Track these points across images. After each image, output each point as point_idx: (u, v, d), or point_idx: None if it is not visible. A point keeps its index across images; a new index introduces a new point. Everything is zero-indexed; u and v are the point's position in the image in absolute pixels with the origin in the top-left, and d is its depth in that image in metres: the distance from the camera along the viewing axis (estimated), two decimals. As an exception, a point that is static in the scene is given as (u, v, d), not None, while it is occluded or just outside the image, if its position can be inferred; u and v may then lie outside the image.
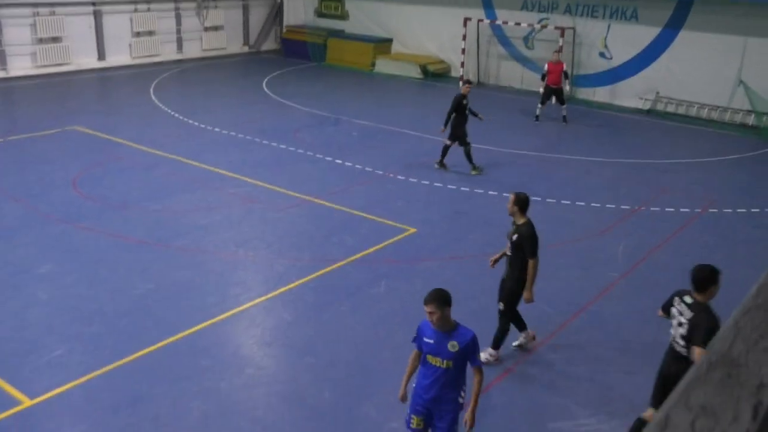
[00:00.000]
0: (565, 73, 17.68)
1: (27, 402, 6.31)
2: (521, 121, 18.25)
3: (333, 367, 7.08)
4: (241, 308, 8.16)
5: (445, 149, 13.44)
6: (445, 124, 13.19)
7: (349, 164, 13.72)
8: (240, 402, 6.48)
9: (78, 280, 8.69)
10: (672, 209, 11.91)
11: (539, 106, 18.01)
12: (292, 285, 8.76)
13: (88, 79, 21.74)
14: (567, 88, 18.11)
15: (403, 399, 5.43)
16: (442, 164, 13.59)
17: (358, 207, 11.44)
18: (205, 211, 11.03)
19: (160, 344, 7.31)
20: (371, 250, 9.83)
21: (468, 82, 13.77)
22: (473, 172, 13.33)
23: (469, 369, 5.24)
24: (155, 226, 10.42)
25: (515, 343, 7.50)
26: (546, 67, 17.72)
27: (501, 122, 17.96)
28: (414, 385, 5.30)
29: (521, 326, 7.45)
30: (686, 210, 11.89)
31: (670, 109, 19.55)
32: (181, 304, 8.22)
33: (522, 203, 7.16)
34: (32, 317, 7.79)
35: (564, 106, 17.92)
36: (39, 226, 10.27)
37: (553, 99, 17.88)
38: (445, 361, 5.05)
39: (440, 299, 4.98)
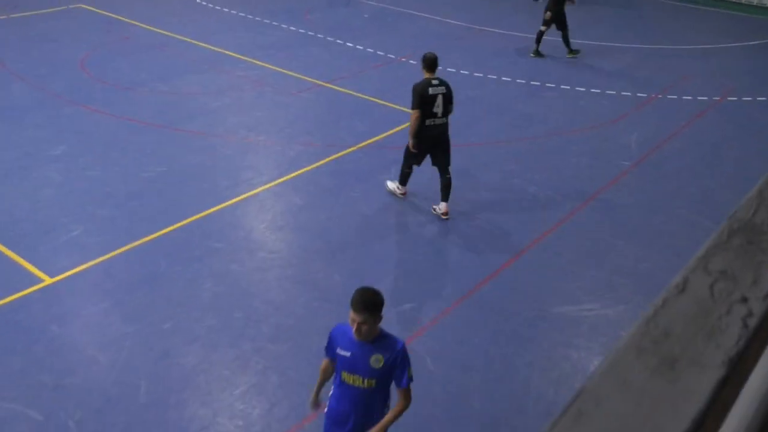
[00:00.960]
0: None
1: (48, 280, 6.51)
2: (539, 5, 17.56)
3: (343, 252, 7.20)
4: (253, 192, 8.22)
5: (539, 36, 13.18)
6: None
7: (361, 47, 13.38)
8: (252, 284, 6.66)
9: (90, 162, 8.74)
10: (690, 97, 11.64)
11: None
12: (303, 170, 8.78)
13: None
14: None
15: (314, 406, 4.27)
16: (537, 53, 13.28)
17: (370, 92, 11.25)
18: (215, 94, 10.90)
19: (172, 227, 7.43)
20: (382, 135, 9.76)
21: None
22: (569, 56, 13.24)
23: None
24: (165, 109, 10.33)
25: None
26: None
27: (516, 5, 17.31)
28: (326, 408, 4.10)
29: (403, 180, 8.03)
30: (704, 98, 11.63)
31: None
32: (193, 187, 8.28)
33: (423, 61, 7.64)
34: (47, 198, 7.91)
35: None
36: (48, 108, 10.21)
37: None
38: (366, 380, 3.82)
39: (375, 306, 3.73)
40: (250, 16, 15.09)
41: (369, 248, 7.28)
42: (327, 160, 9.04)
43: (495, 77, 12.16)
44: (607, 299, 6.65)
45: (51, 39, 13.07)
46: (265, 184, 8.42)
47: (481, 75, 12.26)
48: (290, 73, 11.92)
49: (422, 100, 7.34)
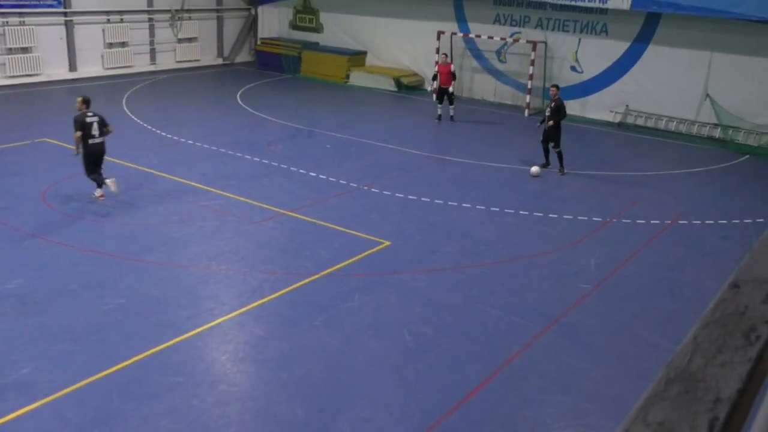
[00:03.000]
0: (453, 74, 18.71)
1: (-8, 421, 6.16)
2: (495, 134, 18.41)
3: (306, 383, 7.02)
4: (214, 323, 8.08)
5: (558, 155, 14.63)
6: (541, 122, 14.83)
7: (323, 177, 13.70)
8: (212, 419, 6.40)
9: (47, 296, 8.54)
10: (643, 221, 12.07)
11: (438, 106, 19.09)
12: (265, 299, 8.70)
13: (58, 90, 21.46)
14: (451, 89, 18.93)
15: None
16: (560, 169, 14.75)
17: (332, 220, 11.42)
18: (178, 225, 10.93)
19: (130, 361, 7.20)
20: (345, 263, 9.81)
21: (553, 85, 15.00)
22: (561, 173, 14.61)
23: None
24: (127, 240, 10.28)
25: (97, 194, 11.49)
26: (436, 68, 18.99)
27: (473, 135, 18.12)
28: None
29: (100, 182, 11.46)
30: (656, 221, 12.06)
31: (640, 122, 19.86)
32: (153, 319, 8.11)
33: (81, 102, 11.41)
34: (-2, 334, 7.63)
35: (452, 106, 18.92)
36: (6, 240, 10.08)
37: (445, 99, 18.89)
38: None
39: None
40: (214, 148, 15.45)
41: (332, 378, 7.11)
42: (289, 288, 8.99)
43: (455, 204, 12.49)
44: (576, 426, 6.53)
45: (13, 173, 13.12)
46: (227, 314, 8.29)
47: (441, 202, 12.58)
48: (253, 202, 12.08)
49: (82, 125, 11.13)
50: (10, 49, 21.26)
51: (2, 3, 20.93)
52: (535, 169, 14.49)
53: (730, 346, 0.77)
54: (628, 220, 12.07)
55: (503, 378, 7.26)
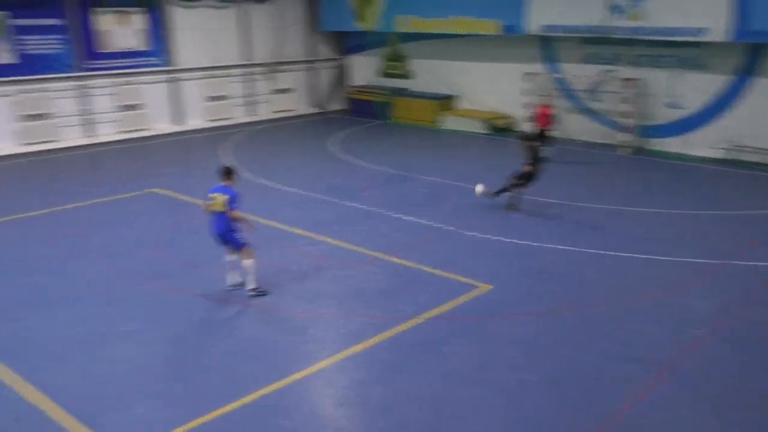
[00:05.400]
0: (553, 117, 18.87)
1: (112, 460, 6.41)
2: (591, 174, 17.97)
3: (408, 429, 6.94)
4: (317, 367, 8.17)
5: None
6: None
7: (419, 221, 13.75)
8: (318, 463, 6.41)
9: (160, 339, 8.91)
10: (764, 263, 11.34)
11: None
12: (366, 343, 8.73)
13: (165, 143, 22.72)
14: (552, 131, 19.08)
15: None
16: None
17: (430, 263, 11.39)
18: (280, 270, 11.19)
19: (238, 402, 7.36)
20: (443, 307, 9.73)
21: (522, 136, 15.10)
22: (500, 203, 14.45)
23: None
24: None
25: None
26: (536, 110, 19.14)
27: (569, 175, 17.74)
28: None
29: None
30: (775, 263, 11.34)
31: (747, 157, 18.90)
32: (259, 362, 8.29)
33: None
34: (115, 374, 8.00)
35: (549, 148, 18.86)
36: (125, 285, 10.63)
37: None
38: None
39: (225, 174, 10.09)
40: (311, 194, 15.83)
41: (435, 425, 7.00)
42: (389, 333, 8.99)
43: (552, 246, 12.20)
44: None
45: (128, 222, 13.89)
46: (329, 358, 8.37)
47: (538, 244, 12.33)
48: (351, 247, 12.24)
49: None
50: (124, 106, 22.80)
51: (114, 65, 22.56)
52: (479, 187, 14.55)
53: None
54: (746, 263, 11.37)
55: (619, 427, 6.93)
